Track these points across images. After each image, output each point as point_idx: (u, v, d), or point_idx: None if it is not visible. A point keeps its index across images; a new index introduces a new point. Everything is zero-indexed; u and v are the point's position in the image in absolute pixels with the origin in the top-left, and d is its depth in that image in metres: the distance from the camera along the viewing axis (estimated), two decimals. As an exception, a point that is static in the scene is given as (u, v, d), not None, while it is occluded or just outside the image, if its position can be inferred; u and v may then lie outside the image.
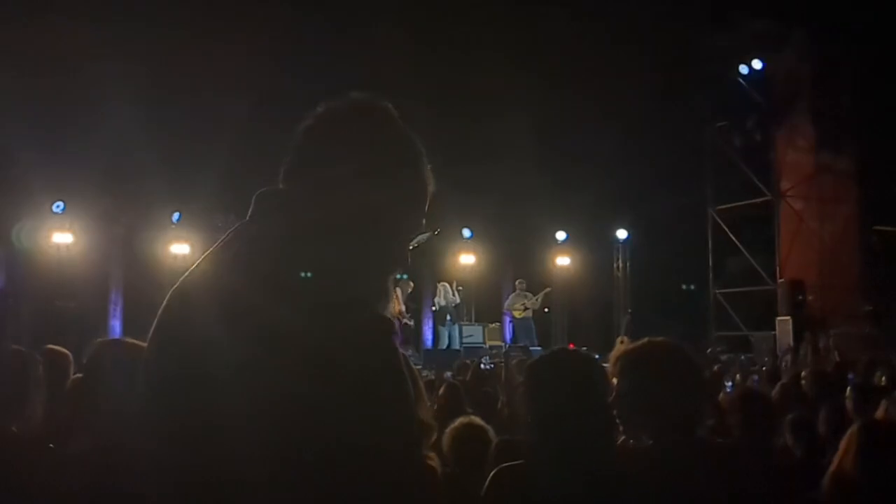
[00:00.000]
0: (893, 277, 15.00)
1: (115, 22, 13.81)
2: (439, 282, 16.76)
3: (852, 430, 2.94)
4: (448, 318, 16.68)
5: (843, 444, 2.91)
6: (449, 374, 9.91)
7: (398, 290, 16.49)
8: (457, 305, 16.97)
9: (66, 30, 13.41)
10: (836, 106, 16.21)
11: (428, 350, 16.28)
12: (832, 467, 2.91)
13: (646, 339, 2.75)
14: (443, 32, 15.50)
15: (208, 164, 14.62)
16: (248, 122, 14.66)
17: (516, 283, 17.97)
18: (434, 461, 2.89)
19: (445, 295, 16.73)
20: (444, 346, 16.52)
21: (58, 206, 15.51)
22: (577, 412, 2.50)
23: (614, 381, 2.68)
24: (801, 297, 16.26)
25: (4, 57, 13.35)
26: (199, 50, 14.42)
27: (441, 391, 6.56)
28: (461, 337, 17.09)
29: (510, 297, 17.93)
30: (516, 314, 17.67)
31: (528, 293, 17.73)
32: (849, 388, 5.57)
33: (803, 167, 17.07)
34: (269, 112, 15.18)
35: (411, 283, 16.61)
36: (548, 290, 17.93)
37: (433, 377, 9.77)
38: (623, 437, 2.72)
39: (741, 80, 17.42)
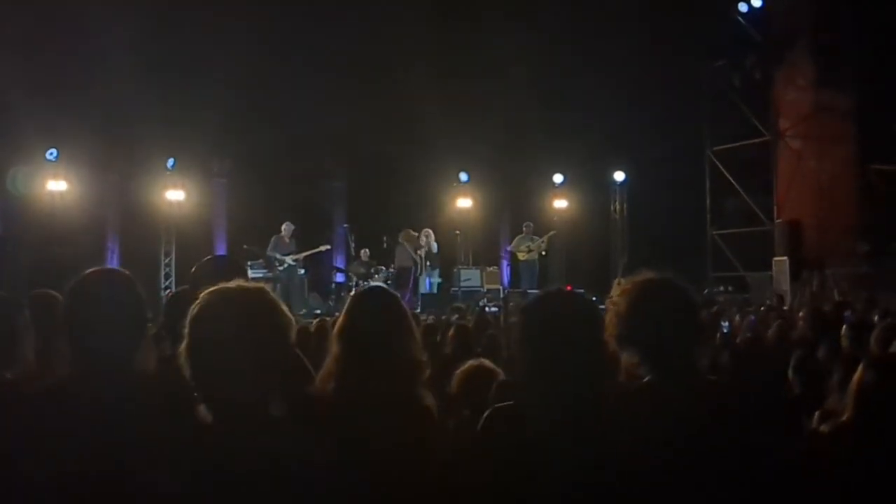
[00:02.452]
0: (891, 217, 14.99)
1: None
2: (424, 228, 16.69)
3: (861, 367, 2.89)
4: (428, 264, 16.66)
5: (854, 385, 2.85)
6: (456, 316, 9.94)
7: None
8: (434, 253, 16.93)
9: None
10: (835, 43, 16.03)
11: (424, 294, 16.31)
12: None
13: (643, 276, 2.73)
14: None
15: (203, 109, 14.51)
16: (243, 67, 14.51)
17: (524, 225, 17.92)
18: (429, 398, 2.92)
19: (430, 241, 16.72)
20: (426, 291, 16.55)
21: (51, 154, 15.40)
22: (570, 352, 2.50)
23: (612, 318, 2.67)
24: (798, 238, 16.29)
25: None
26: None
27: (451, 333, 6.58)
28: (444, 282, 17.19)
29: (516, 238, 17.93)
30: (520, 255, 17.67)
31: (534, 237, 17.73)
32: (844, 326, 5.61)
33: (802, 106, 16.93)
34: (265, 57, 15.07)
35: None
36: (552, 233, 17.90)
37: (431, 321, 9.83)
38: (621, 376, 2.72)
39: (740, 18, 17.20)
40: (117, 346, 2.47)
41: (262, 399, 2.21)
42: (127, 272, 2.72)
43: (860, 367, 2.80)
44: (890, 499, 2.58)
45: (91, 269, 2.64)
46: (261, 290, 2.31)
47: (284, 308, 2.29)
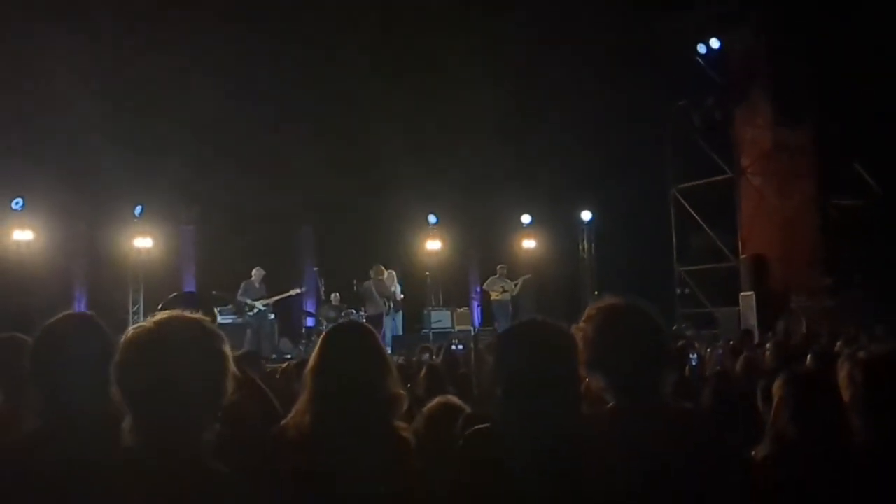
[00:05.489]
0: (852, 250, 15.23)
1: (72, 16, 13.61)
2: (387, 269, 16.73)
3: (777, 383, 3.06)
4: (391, 305, 16.69)
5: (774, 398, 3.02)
6: (426, 356, 9.93)
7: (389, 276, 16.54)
8: (399, 297, 16.97)
9: (23, 26, 13.23)
10: (792, 82, 16.37)
11: (395, 336, 16.29)
12: (770, 420, 3.02)
13: (609, 301, 2.77)
14: (409, 25, 15.51)
15: (169, 156, 14.52)
16: (208, 113, 14.57)
17: (498, 267, 18.03)
18: (407, 431, 2.93)
19: (395, 283, 16.77)
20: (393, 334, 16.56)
21: (17, 203, 15.29)
22: (543, 379, 2.53)
23: (580, 344, 2.71)
24: (763, 273, 16.49)
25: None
26: (160, 42, 14.30)
27: (422, 374, 6.58)
28: (414, 324, 17.23)
29: (490, 279, 18.01)
30: (493, 295, 17.75)
31: (507, 280, 17.82)
32: (809, 356, 5.70)
33: (762, 143, 17.25)
34: (231, 103, 15.15)
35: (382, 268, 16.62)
36: (527, 276, 18.01)
37: (402, 361, 9.82)
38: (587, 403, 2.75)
39: (699, 60, 17.56)
40: (87, 394, 2.44)
41: (197, 427, 2.20)
42: (93, 316, 2.71)
43: (777, 384, 2.94)
44: None
45: (59, 315, 2.64)
46: (199, 319, 2.31)
47: (222, 338, 2.30)
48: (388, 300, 16.33)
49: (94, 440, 2.35)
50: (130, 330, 2.22)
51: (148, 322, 2.23)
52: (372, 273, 16.40)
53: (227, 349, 2.28)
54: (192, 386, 2.17)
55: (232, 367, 2.28)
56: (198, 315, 2.33)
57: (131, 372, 2.17)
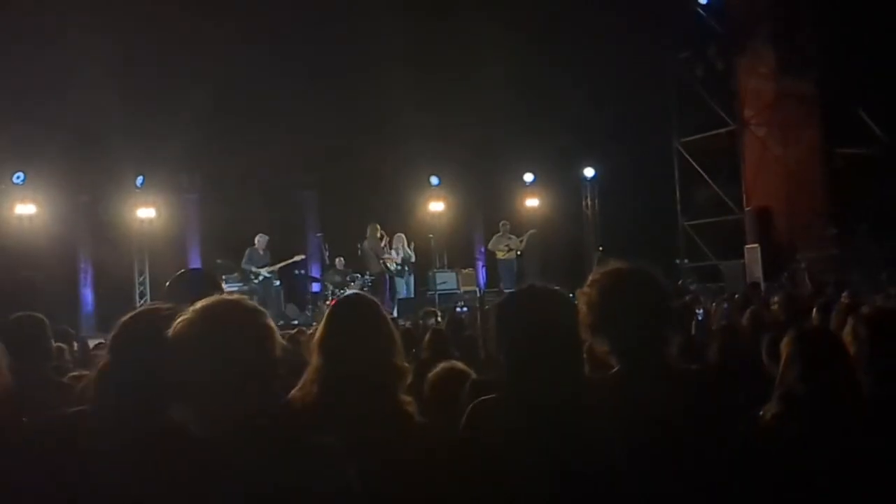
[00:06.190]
0: (858, 199, 15.16)
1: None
2: (395, 233, 16.74)
3: (784, 340, 3.04)
4: (407, 269, 16.74)
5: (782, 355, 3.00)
6: (432, 321, 9.95)
7: (389, 240, 16.54)
8: (411, 260, 16.99)
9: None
10: (795, 30, 16.20)
11: (400, 299, 16.31)
12: (777, 378, 3.00)
13: (614, 266, 2.76)
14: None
15: (170, 125, 14.44)
16: (208, 79, 14.46)
17: (500, 224, 18.01)
18: (411, 405, 2.92)
19: (404, 246, 16.77)
20: (403, 296, 16.58)
21: (18, 178, 15.26)
22: (545, 345, 2.52)
23: (583, 309, 2.70)
24: (768, 225, 16.46)
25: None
26: (162, 12, 14.15)
27: (427, 338, 6.59)
28: (418, 286, 17.23)
29: (493, 237, 17.99)
30: (499, 254, 17.73)
31: (511, 235, 17.79)
32: (814, 309, 5.68)
33: (765, 94, 17.10)
34: (230, 66, 15.02)
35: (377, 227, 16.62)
36: (532, 231, 17.94)
37: (409, 325, 9.85)
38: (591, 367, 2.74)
39: (700, 10, 17.36)
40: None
41: (247, 411, 2.20)
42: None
43: (784, 341, 2.92)
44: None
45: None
46: (238, 300, 2.32)
47: (265, 313, 2.30)
48: (381, 260, 16.33)
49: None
50: (176, 324, 2.20)
51: (189, 313, 2.21)
52: (368, 232, 16.43)
53: (272, 322, 2.29)
54: (249, 367, 2.18)
55: (279, 339, 2.29)
56: (236, 295, 2.35)
57: (187, 364, 2.16)
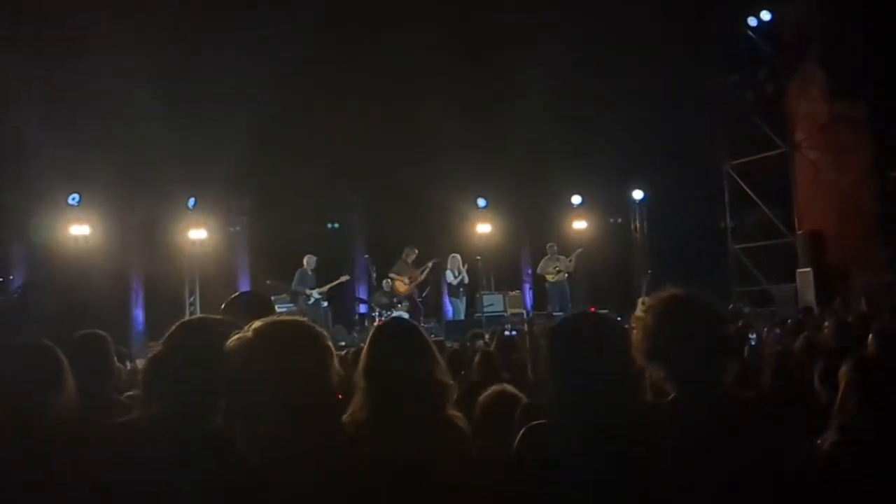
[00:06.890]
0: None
1: (128, 10, 13.77)
2: (451, 254, 16.86)
3: (843, 368, 3.00)
4: (462, 290, 16.82)
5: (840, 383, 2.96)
6: (480, 342, 9.96)
7: (406, 274, 16.66)
8: (464, 282, 17.08)
9: (79, 19, 13.41)
10: (847, 53, 15.99)
11: (448, 322, 16.33)
12: (836, 406, 2.96)
13: (669, 292, 2.76)
14: (461, 4, 15.45)
15: (221, 147, 14.66)
16: (259, 104, 14.67)
17: (547, 246, 17.98)
18: (460, 420, 2.95)
19: (459, 267, 16.86)
20: (451, 318, 16.65)
21: (73, 199, 15.59)
22: (598, 373, 2.52)
23: (638, 335, 2.70)
24: (820, 248, 16.21)
25: (18, 48, 13.36)
26: (213, 36, 14.42)
27: (476, 360, 6.62)
28: (468, 308, 17.26)
29: (542, 261, 17.96)
30: (549, 277, 17.67)
31: (560, 256, 17.75)
32: (871, 336, 5.59)
33: (817, 117, 16.90)
34: (281, 91, 15.25)
35: (415, 250, 16.75)
36: (580, 250, 17.87)
37: (457, 347, 9.86)
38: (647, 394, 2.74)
39: (751, 33, 17.25)
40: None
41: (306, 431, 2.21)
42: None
43: (843, 369, 2.88)
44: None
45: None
46: (298, 321, 2.36)
47: (324, 335, 2.33)
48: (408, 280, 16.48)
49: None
50: (232, 342, 2.22)
51: (249, 331, 2.23)
52: (403, 256, 16.63)
53: (330, 344, 2.33)
54: (307, 387, 2.20)
55: (335, 362, 2.31)
56: (296, 316, 2.40)
57: (249, 383, 2.18)
